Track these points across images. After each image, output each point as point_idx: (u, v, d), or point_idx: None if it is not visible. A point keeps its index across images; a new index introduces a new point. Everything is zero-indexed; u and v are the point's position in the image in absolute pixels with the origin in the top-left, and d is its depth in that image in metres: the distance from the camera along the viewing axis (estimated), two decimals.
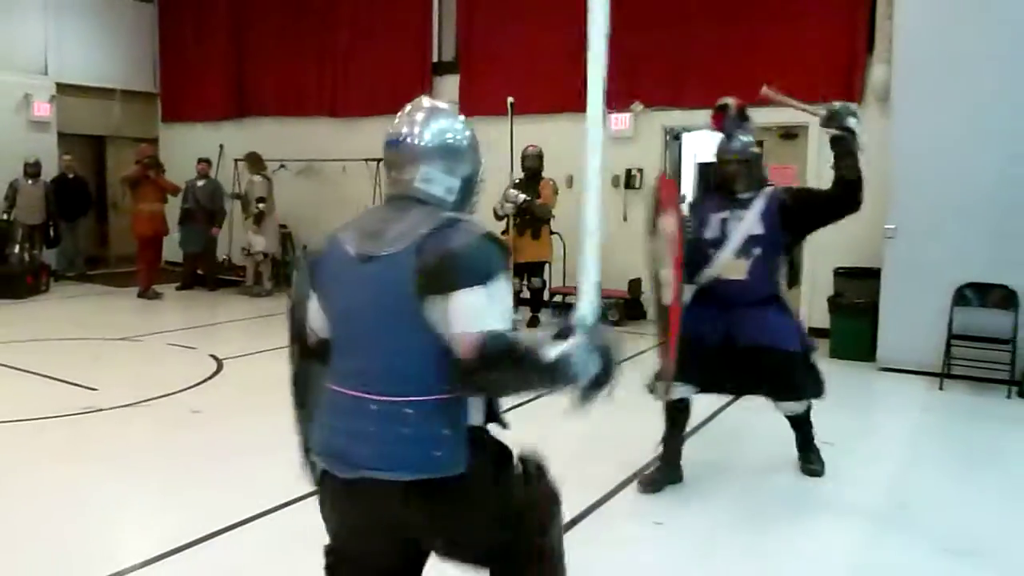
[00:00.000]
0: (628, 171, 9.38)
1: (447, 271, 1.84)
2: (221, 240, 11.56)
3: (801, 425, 4.54)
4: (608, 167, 9.26)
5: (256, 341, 7.85)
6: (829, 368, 6.98)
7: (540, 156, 8.70)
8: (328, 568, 2.13)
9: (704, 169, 9.88)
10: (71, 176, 11.81)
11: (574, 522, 3.74)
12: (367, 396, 1.93)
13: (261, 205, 10.47)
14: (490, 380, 1.86)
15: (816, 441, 4.62)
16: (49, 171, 11.43)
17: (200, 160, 11.38)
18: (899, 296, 6.87)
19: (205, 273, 11.23)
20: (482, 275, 1.85)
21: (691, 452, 4.55)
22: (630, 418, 4.39)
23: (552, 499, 2.11)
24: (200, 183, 11.16)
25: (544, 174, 8.72)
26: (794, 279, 4.66)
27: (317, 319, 2.10)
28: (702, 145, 12.40)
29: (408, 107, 2.10)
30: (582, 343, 1.81)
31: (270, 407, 5.69)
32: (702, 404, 4.77)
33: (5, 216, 10.79)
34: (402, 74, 10.81)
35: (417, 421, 1.89)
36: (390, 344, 1.92)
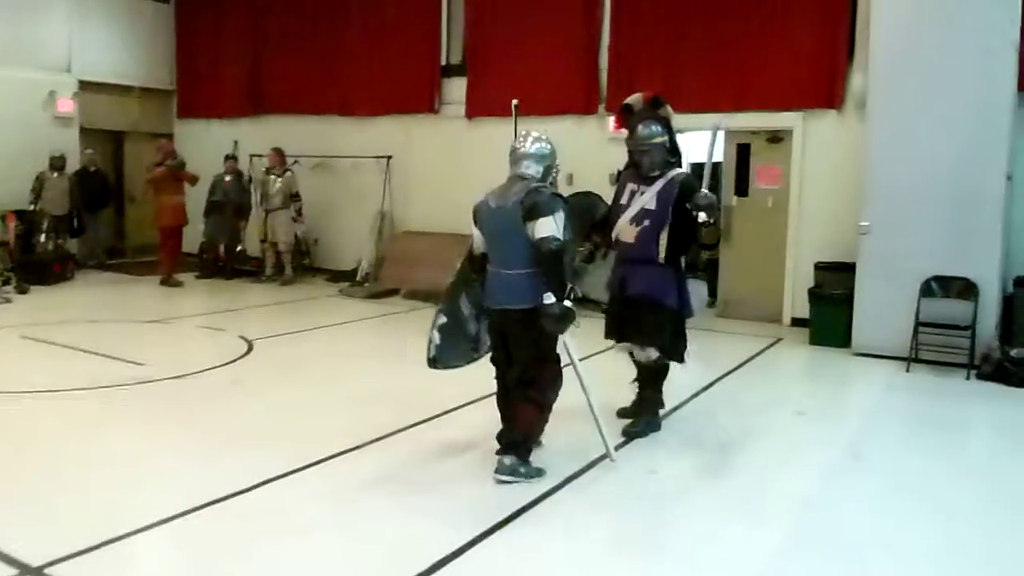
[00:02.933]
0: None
1: (534, 209, 4.09)
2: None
3: (649, 380, 5.17)
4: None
5: (280, 324, 8.48)
6: (809, 353, 7.75)
7: None
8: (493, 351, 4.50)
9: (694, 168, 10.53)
10: (92, 169, 12.34)
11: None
12: (502, 271, 4.27)
13: (299, 202, 11.22)
14: (548, 260, 4.04)
15: (794, 411, 5.31)
16: (72, 164, 12.00)
17: (227, 157, 12.06)
18: (872, 287, 7.50)
19: (224, 262, 11.81)
20: (550, 210, 4.09)
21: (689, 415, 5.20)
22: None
23: (555, 338, 4.27)
24: (227, 178, 11.82)
25: None
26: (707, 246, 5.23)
27: (479, 241, 4.43)
28: (694, 146, 13.09)
29: (525, 132, 4.46)
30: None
31: (302, 380, 6.37)
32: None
33: (32, 207, 11.35)
34: (411, 76, 11.35)
35: (522, 282, 4.18)
36: (511, 246, 4.21)
